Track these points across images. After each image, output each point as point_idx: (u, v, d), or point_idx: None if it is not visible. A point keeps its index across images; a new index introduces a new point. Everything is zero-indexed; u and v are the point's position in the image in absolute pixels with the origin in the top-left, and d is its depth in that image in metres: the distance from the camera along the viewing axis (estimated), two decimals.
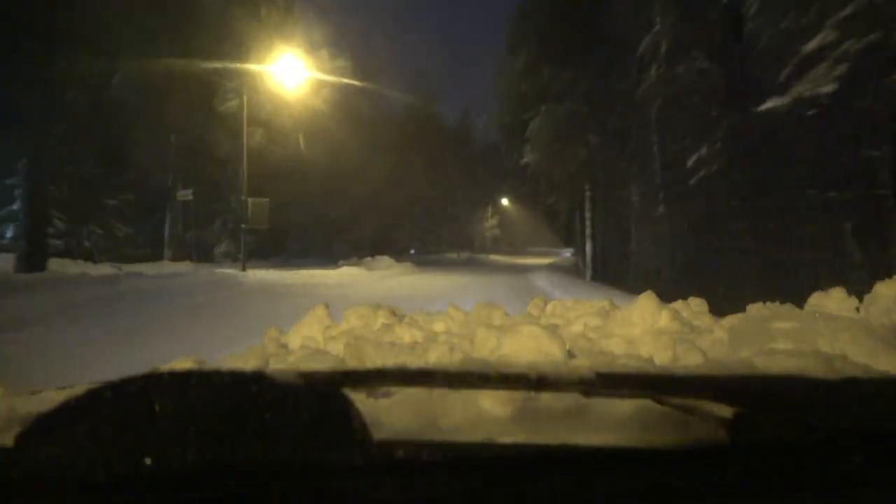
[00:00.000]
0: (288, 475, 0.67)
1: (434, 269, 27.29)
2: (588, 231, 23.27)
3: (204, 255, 28.29)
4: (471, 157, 56.88)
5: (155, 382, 0.69)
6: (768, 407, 0.82)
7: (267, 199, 21.24)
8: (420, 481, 0.70)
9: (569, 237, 41.12)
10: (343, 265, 24.09)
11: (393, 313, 2.25)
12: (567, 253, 55.26)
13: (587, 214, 23.20)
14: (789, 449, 0.78)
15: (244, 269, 19.98)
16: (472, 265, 36.37)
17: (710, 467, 0.76)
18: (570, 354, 1.57)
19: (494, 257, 52.45)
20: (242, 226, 20.85)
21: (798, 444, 0.78)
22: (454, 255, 48.46)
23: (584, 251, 30.17)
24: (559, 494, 0.72)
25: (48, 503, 0.66)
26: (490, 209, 61.82)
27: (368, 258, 27.76)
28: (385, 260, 27.58)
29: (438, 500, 0.70)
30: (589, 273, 23.03)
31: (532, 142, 17.92)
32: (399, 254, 36.97)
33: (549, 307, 2.31)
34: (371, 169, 36.19)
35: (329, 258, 29.01)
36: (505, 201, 63.82)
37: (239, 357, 1.82)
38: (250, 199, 20.84)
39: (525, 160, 18.81)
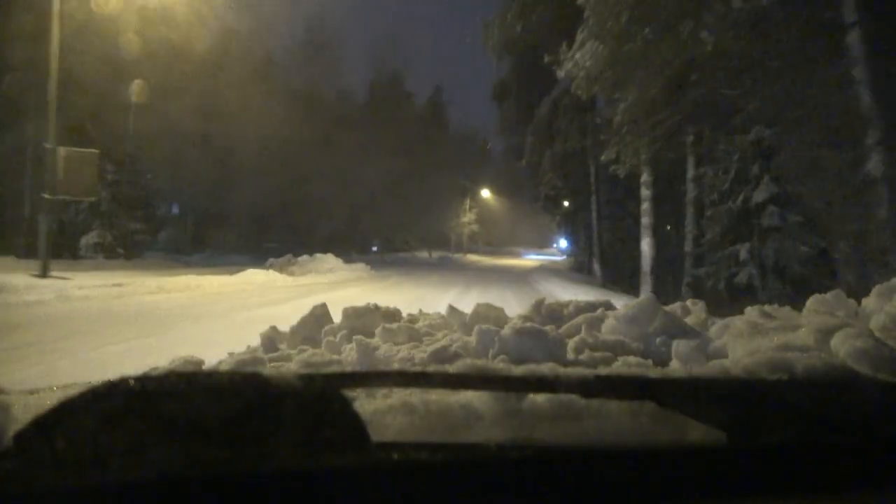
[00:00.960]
0: (286, 477, 0.66)
1: (398, 277, 20.19)
2: (647, 220, 14.41)
3: (68, 248, 19.72)
4: (445, 141, 49.14)
5: (154, 383, 0.69)
6: (767, 408, 0.83)
7: (95, 152, 11.96)
8: (419, 483, 0.69)
9: (570, 233, 32.91)
10: (270, 265, 17.82)
11: (393, 314, 2.27)
12: (534, 255, 48.68)
13: (645, 191, 14.32)
14: (789, 449, 0.78)
15: (44, 274, 10.64)
16: (449, 268, 30.22)
17: (710, 468, 0.75)
18: (570, 355, 1.61)
19: (474, 258, 45.93)
20: (45, 195, 11.51)
21: (798, 444, 0.78)
22: (425, 255, 41.72)
23: (593, 254, 21.34)
24: (559, 495, 0.70)
25: None
26: (468, 202, 53.15)
27: (305, 256, 20.49)
28: (327, 260, 19.40)
29: (438, 501, 0.68)
30: (648, 287, 14.17)
31: (589, 26, 9.05)
32: (359, 252, 32.58)
33: (548, 307, 2.28)
34: (327, 152, 31.62)
35: (264, 255, 22.03)
36: (486, 193, 55.34)
37: (237, 358, 1.78)
38: (62, 150, 11.53)
39: (570, 66, 9.94)
